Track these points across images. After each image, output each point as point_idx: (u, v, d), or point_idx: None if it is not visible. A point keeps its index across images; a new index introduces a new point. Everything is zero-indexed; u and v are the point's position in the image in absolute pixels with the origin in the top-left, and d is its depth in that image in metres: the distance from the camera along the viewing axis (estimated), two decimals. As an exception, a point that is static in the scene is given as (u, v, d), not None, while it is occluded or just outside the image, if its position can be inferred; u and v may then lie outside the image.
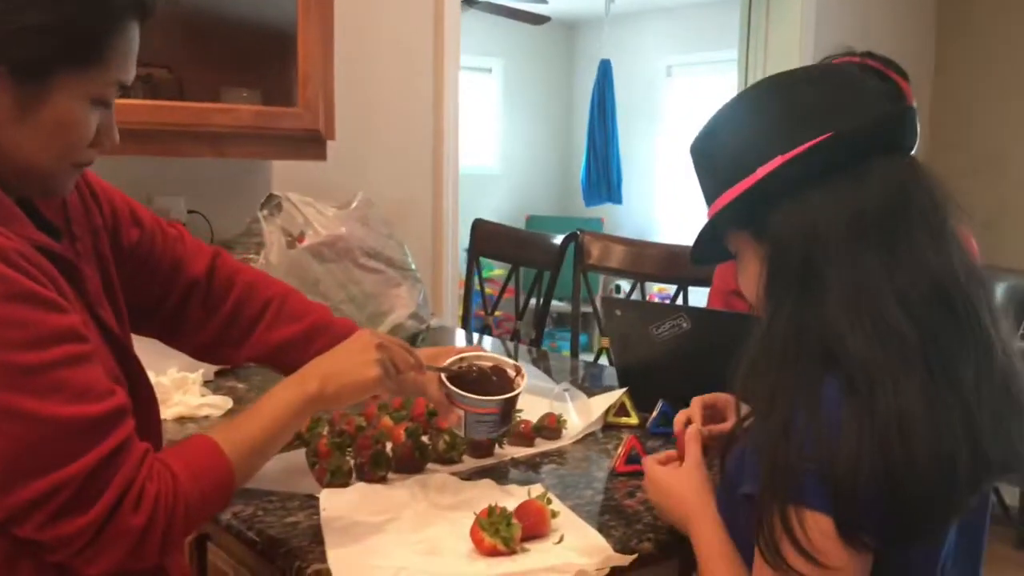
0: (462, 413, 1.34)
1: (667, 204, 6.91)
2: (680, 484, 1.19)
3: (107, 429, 0.95)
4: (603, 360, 2.45)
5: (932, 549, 1.02)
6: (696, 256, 1.22)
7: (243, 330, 1.38)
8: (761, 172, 1.04)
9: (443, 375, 1.35)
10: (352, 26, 2.46)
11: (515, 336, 2.84)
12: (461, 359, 1.40)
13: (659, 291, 4.87)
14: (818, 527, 0.94)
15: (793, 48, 3.78)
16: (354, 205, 2.22)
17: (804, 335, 1.00)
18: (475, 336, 2.67)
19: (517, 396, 1.38)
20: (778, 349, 1.01)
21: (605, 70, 6.47)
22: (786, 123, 1.06)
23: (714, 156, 1.13)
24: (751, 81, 3.19)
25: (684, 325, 1.70)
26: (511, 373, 1.41)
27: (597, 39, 6.84)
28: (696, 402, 1.35)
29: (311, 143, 2.35)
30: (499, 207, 6.97)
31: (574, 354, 2.64)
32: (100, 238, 1.18)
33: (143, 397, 1.13)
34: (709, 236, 1.15)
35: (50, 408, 0.92)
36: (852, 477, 0.92)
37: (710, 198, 1.13)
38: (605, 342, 2.28)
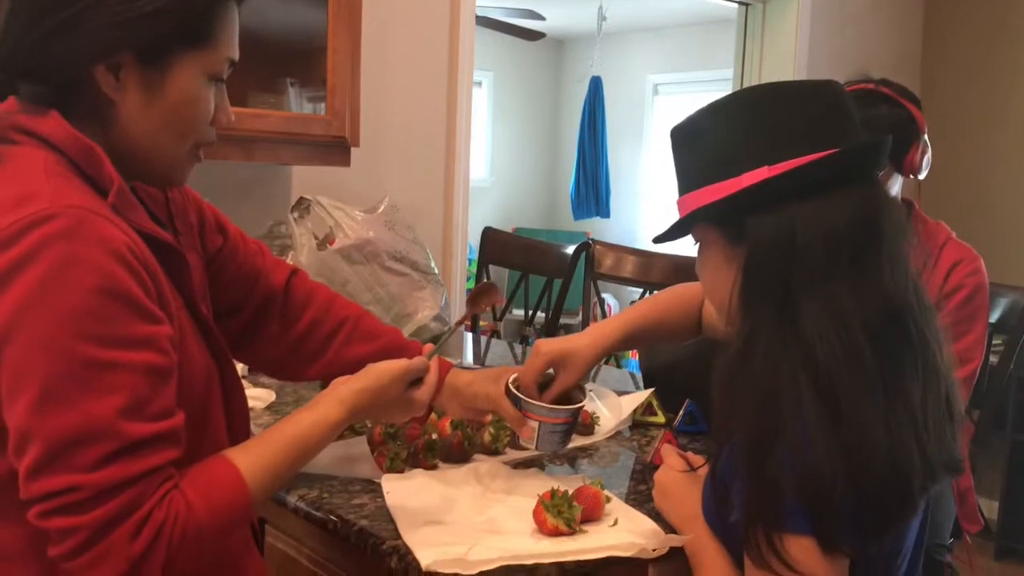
0: (536, 425, 1.39)
1: (651, 219, 7.03)
2: (679, 489, 1.26)
3: (145, 452, 0.94)
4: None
5: (897, 543, 1.12)
6: (658, 240, 1.25)
7: (317, 347, 1.42)
8: (747, 180, 1.08)
9: (514, 388, 1.41)
10: (370, 38, 2.54)
11: (495, 335, 2.95)
12: (518, 377, 1.44)
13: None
14: (800, 546, 1.02)
15: (787, 64, 3.89)
16: (380, 210, 2.30)
17: (784, 357, 1.04)
18: (482, 340, 2.75)
19: (583, 407, 1.45)
20: (759, 369, 1.06)
21: (596, 87, 6.58)
22: (775, 133, 1.09)
23: (699, 145, 1.15)
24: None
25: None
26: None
27: (585, 56, 6.95)
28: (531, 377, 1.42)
29: (337, 149, 2.43)
30: (487, 218, 7.05)
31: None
32: (194, 235, 1.25)
33: (231, 385, 1.19)
34: (678, 226, 1.18)
35: (100, 408, 0.91)
36: (828, 496, 1.00)
37: (687, 185, 1.17)
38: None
